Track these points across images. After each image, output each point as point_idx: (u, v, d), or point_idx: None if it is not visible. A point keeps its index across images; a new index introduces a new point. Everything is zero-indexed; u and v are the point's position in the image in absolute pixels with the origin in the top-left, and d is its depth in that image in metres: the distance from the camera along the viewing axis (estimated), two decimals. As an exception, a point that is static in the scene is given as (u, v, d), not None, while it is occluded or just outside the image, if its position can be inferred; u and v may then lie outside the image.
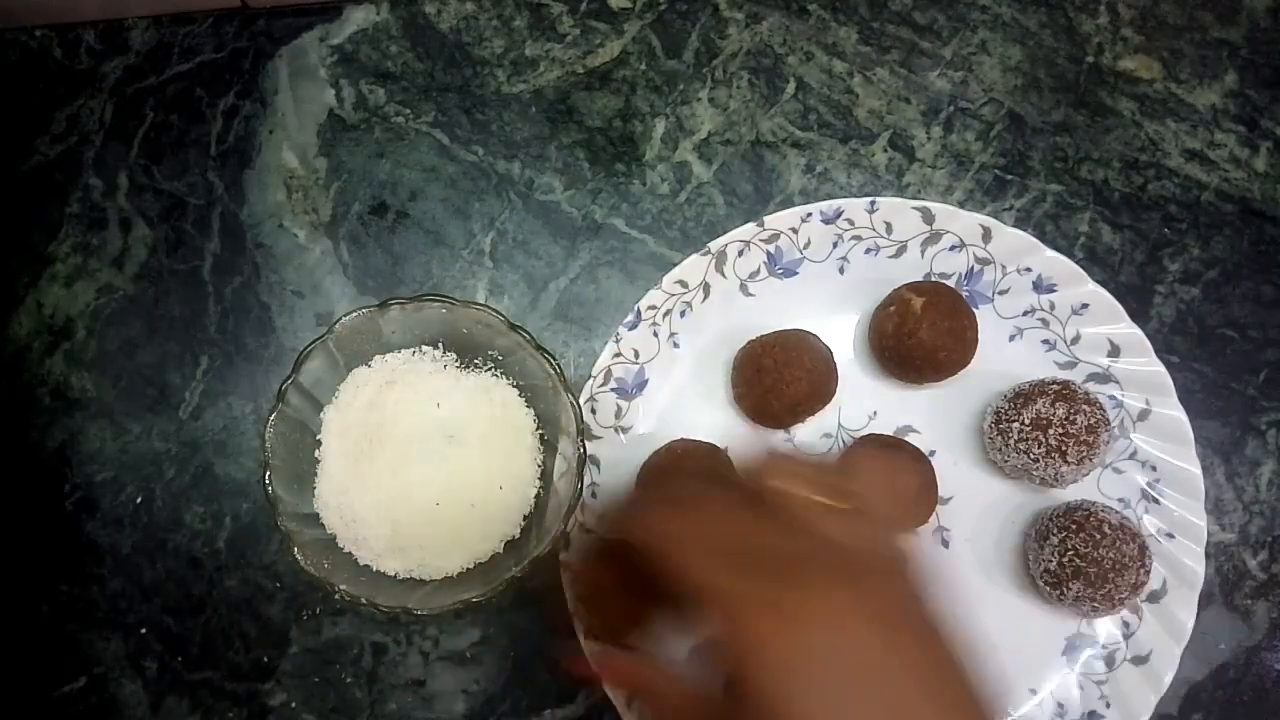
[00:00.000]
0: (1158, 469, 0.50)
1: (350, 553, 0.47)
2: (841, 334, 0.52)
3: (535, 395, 0.49)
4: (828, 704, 0.29)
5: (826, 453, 0.51)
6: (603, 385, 0.50)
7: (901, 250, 0.52)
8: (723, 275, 0.52)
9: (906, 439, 0.50)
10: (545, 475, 0.48)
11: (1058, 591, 0.47)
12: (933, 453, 0.50)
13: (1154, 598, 0.49)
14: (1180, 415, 0.50)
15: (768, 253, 0.52)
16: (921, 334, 0.48)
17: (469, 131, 0.56)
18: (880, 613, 0.31)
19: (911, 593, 0.33)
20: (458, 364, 0.49)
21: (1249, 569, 0.52)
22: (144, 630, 0.51)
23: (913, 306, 0.48)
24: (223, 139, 0.56)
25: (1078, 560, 0.46)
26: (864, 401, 0.52)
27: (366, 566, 0.47)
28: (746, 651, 0.30)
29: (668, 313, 0.51)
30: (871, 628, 0.30)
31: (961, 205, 0.54)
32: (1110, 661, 0.49)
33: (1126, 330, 0.50)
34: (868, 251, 0.52)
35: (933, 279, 0.51)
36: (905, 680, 0.30)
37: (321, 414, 0.48)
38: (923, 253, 0.52)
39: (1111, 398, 0.50)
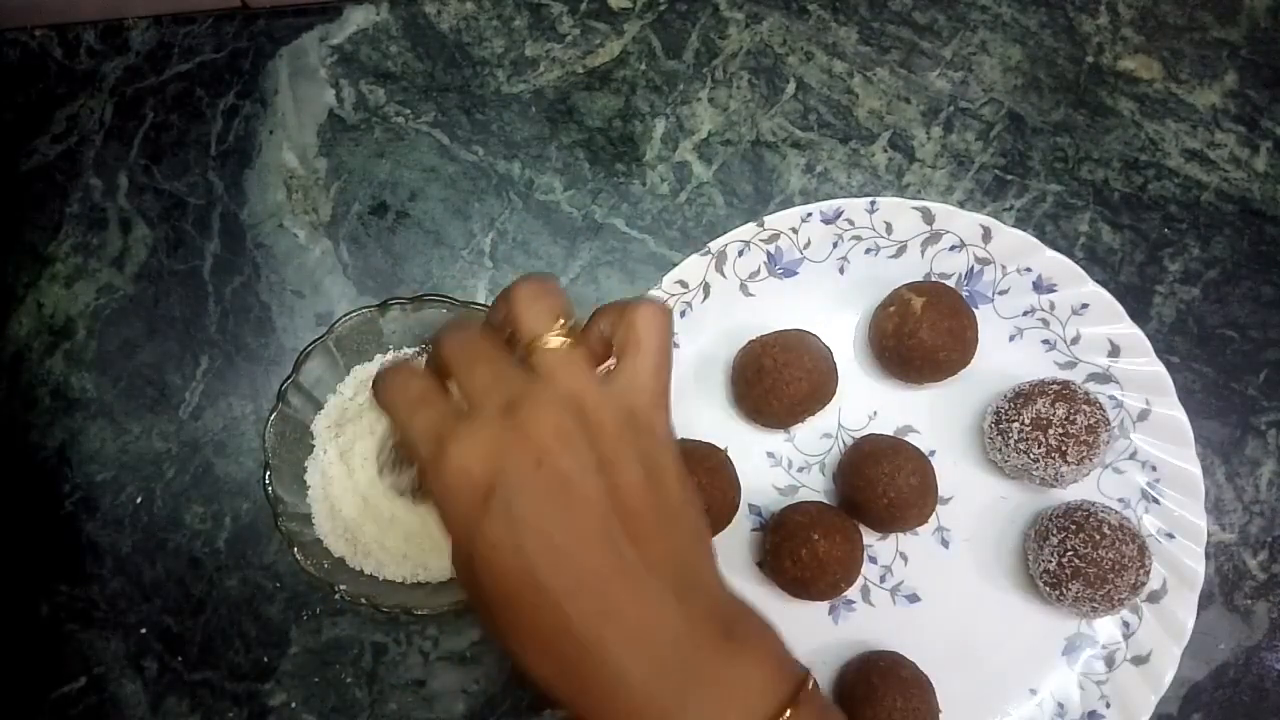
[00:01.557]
0: (1158, 469, 0.50)
1: (344, 556, 0.47)
2: (841, 334, 0.52)
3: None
4: (513, 541, 0.30)
5: (826, 453, 0.51)
6: (603, 385, 0.50)
7: (901, 250, 0.52)
8: (723, 275, 0.51)
9: (906, 439, 0.50)
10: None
11: (1057, 592, 0.47)
12: (933, 453, 0.50)
13: (1154, 598, 0.49)
14: (1180, 415, 0.50)
15: (768, 253, 0.52)
16: (921, 334, 0.48)
17: (469, 131, 0.56)
18: (591, 444, 0.32)
19: (646, 432, 0.34)
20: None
21: (1249, 569, 0.52)
22: (144, 630, 0.51)
23: (913, 306, 0.48)
24: (223, 139, 0.56)
25: (1077, 560, 0.46)
26: (864, 401, 0.52)
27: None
28: (440, 482, 0.32)
29: (668, 313, 0.51)
30: (578, 460, 0.31)
31: (961, 205, 0.54)
32: (1110, 661, 0.49)
33: (1126, 330, 0.50)
34: (868, 251, 0.52)
35: (933, 279, 0.51)
36: (598, 517, 0.31)
37: (318, 415, 0.48)
38: (923, 253, 0.52)
39: (1111, 398, 0.50)
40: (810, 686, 0.32)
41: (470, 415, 0.32)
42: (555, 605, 0.30)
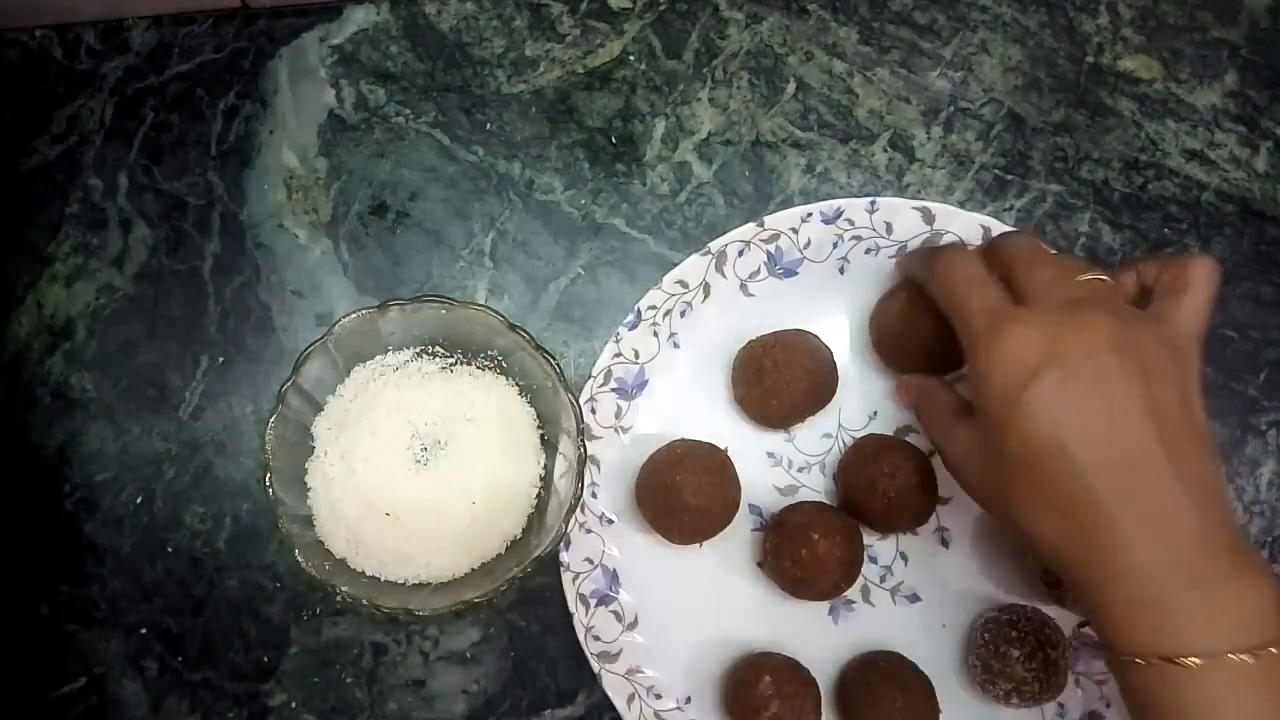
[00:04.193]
0: (1158, 469, 0.50)
1: (346, 558, 0.47)
2: (841, 334, 0.52)
3: (535, 395, 0.49)
4: (1053, 412, 0.35)
5: (826, 453, 0.51)
6: (603, 385, 0.51)
7: (902, 250, 0.52)
8: (723, 275, 0.52)
9: (906, 439, 0.50)
10: (546, 475, 0.48)
11: (1057, 592, 0.47)
12: (933, 453, 0.50)
13: (1154, 598, 0.49)
14: (1180, 415, 0.50)
15: (768, 253, 0.52)
16: (922, 333, 0.48)
17: (469, 131, 0.56)
18: (1139, 356, 0.36)
19: (1184, 364, 0.37)
20: (457, 364, 0.49)
21: (1249, 569, 0.52)
22: (144, 630, 0.51)
23: (913, 305, 0.48)
24: (223, 139, 0.56)
25: (1078, 560, 0.46)
26: (864, 401, 0.52)
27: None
28: (995, 352, 0.37)
29: (668, 313, 0.51)
30: (1125, 365, 0.35)
31: (961, 205, 0.54)
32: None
33: (1126, 330, 0.50)
34: (868, 251, 0.52)
35: (933, 279, 0.51)
36: (1136, 414, 0.35)
37: (318, 416, 0.48)
38: (923, 253, 0.52)
39: (1111, 398, 0.50)
40: None
41: (1032, 304, 0.38)
42: (1079, 475, 0.35)
